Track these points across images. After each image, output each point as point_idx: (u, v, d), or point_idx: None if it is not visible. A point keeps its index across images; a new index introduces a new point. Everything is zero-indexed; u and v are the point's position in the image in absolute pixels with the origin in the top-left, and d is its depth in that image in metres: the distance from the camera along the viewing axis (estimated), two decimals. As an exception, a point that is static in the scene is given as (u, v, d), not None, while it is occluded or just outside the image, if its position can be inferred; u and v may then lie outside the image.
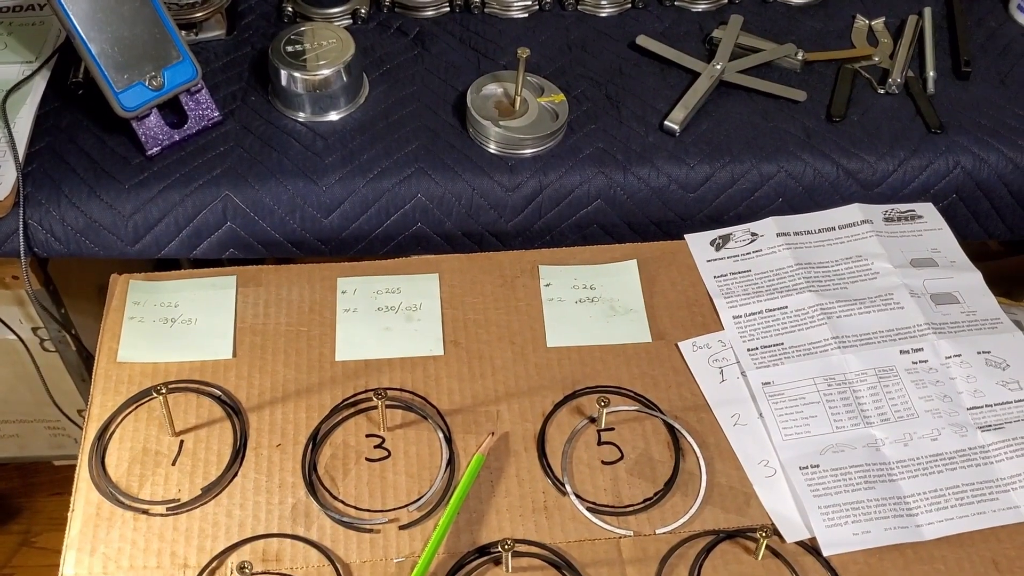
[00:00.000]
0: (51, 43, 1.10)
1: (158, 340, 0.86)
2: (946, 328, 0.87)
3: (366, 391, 0.83)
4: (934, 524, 0.76)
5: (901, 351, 0.86)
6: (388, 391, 0.82)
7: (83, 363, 1.26)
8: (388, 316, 0.88)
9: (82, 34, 0.94)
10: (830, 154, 1.04)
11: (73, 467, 0.79)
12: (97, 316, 0.93)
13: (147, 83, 0.98)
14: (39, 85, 1.06)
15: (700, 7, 1.20)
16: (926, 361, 0.86)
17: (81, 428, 0.81)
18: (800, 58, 1.12)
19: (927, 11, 1.20)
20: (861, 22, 1.19)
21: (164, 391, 0.77)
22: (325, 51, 1.04)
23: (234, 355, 0.85)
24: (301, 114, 1.05)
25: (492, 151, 1.03)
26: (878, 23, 1.19)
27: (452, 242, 1.04)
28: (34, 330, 1.22)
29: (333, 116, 1.05)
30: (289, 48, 1.04)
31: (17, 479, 1.57)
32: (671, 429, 0.81)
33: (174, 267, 1.31)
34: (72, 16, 0.94)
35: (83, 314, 1.22)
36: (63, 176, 0.99)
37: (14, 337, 1.19)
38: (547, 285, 0.91)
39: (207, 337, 0.86)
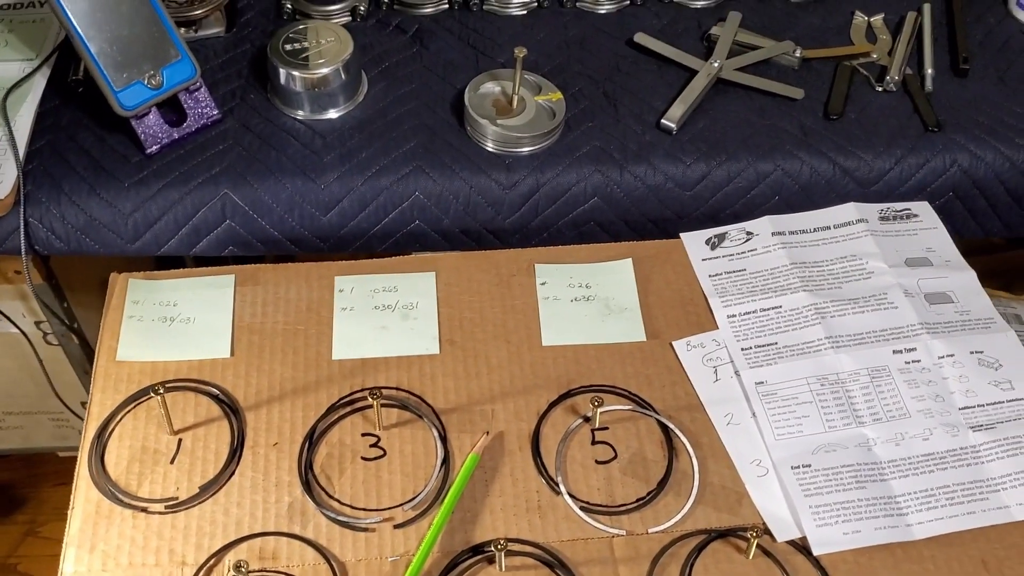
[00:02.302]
0: (52, 41, 1.10)
1: (157, 339, 0.87)
2: (939, 328, 0.88)
3: (362, 390, 0.84)
4: (924, 524, 0.76)
5: (894, 351, 0.87)
6: (383, 390, 0.83)
7: (86, 356, 1.27)
8: (385, 315, 0.89)
9: (81, 33, 0.95)
10: (827, 152, 1.04)
11: (75, 457, 0.80)
12: (99, 310, 0.94)
13: (146, 82, 0.98)
14: (39, 83, 1.07)
15: (699, 4, 1.20)
16: (919, 361, 0.86)
17: (84, 420, 0.82)
18: (798, 55, 1.12)
19: (926, 7, 1.19)
20: (860, 18, 1.19)
21: (162, 391, 0.78)
22: (324, 49, 1.04)
23: (232, 354, 0.86)
24: (300, 112, 1.05)
25: (490, 149, 1.03)
26: (877, 19, 1.19)
27: (450, 239, 1.04)
28: (37, 324, 1.23)
29: (332, 114, 1.06)
30: (288, 46, 1.04)
31: (22, 469, 1.59)
32: (664, 429, 0.82)
33: (178, 263, 1.32)
34: (71, 15, 0.94)
35: (86, 308, 1.23)
36: (63, 174, 0.99)
37: (17, 331, 1.20)
38: (543, 283, 0.92)
39: (205, 336, 0.87)
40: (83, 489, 0.78)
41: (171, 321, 0.88)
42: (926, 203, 0.99)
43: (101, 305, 1.27)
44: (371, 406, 0.81)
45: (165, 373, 0.85)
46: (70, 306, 1.23)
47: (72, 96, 1.07)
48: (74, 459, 0.80)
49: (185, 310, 0.89)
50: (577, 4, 1.19)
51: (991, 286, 1.08)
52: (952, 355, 0.86)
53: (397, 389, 0.84)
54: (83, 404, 1.37)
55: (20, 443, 1.48)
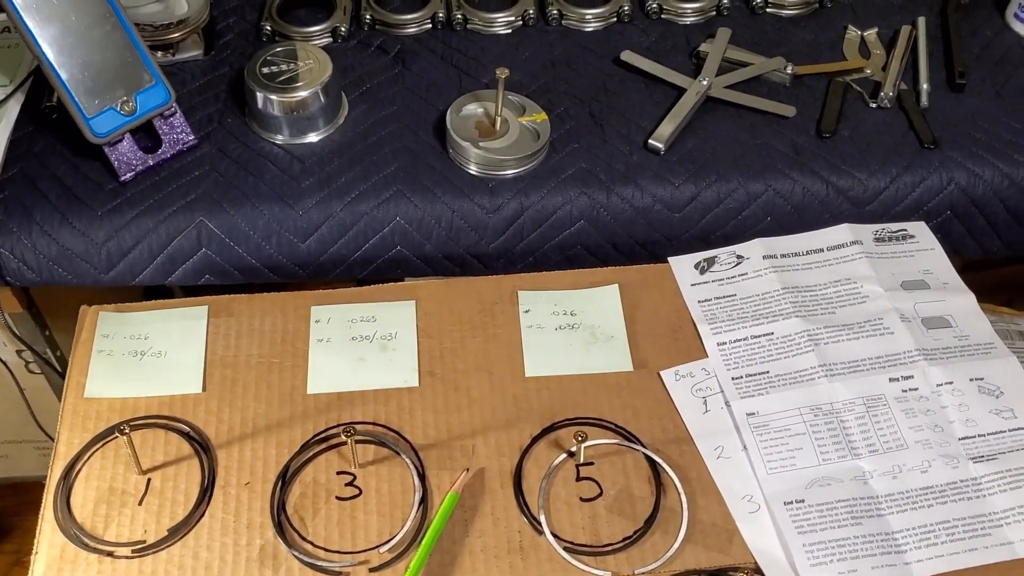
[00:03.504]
0: (26, 66, 1.08)
1: (127, 374, 0.84)
2: (937, 354, 0.85)
3: (337, 426, 0.81)
4: (924, 562, 0.73)
5: (890, 379, 0.84)
6: (359, 425, 0.80)
7: (69, 385, 1.25)
8: (363, 346, 0.86)
9: (51, 60, 0.92)
10: (819, 171, 1.01)
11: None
12: None
13: (119, 108, 0.96)
14: (13, 109, 1.04)
15: (687, 20, 1.18)
16: (916, 389, 0.83)
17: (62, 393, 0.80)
18: (789, 71, 1.09)
19: (921, 21, 1.17)
20: (853, 33, 1.16)
21: (128, 430, 0.75)
22: (302, 72, 1.02)
23: (204, 389, 0.83)
24: (279, 136, 1.03)
25: (473, 172, 1.01)
26: (871, 34, 1.16)
27: (433, 265, 1.02)
28: (18, 352, 1.21)
29: (312, 138, 1.03)
30: (265, 69, 1.02)
31: (8, 497, 1.56)
32: (652, 463, 0.79)
33: (163, 290, 1.30)
34: (40, 41, 0.92)
35: (69, 334, 1.20)
36: (35, 203, 0.97)
37: (-2, 360, 1.18)
38: (526, 311, 0.89)
39: (177, 371, 0.84)
40: (47, 533, 0.75)
41: (142, 355, 0.85)
42: (923, 223, 0.96)
43: (84, 332, 1.23)
44: (346, 443, 0.78)
45: (135, 410, 0.82)
46: (52, 334, 1.21)
47: (46, 122, 1.04)
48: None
49: (156, 343, 0.86)
50: (563, 22, 1.17)
51: (994, 301, 1.05)
52: (951, 382, 0.83)
53: (374, 424, 0.81)
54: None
55: (5, 472, 1.46)
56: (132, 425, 0.78)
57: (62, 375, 1.22)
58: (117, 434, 0.76)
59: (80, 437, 0.81)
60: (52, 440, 1.34)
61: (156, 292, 1.28)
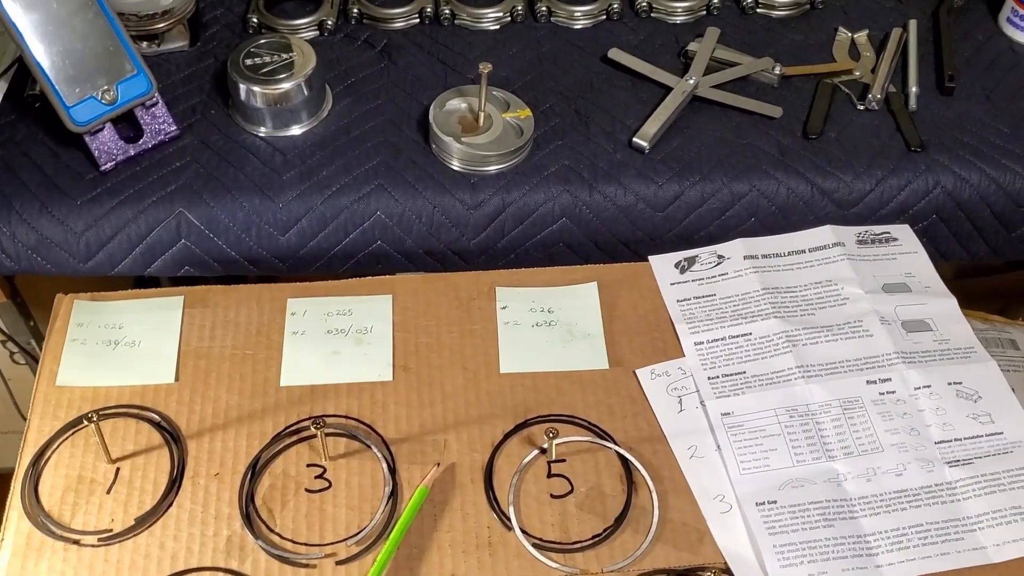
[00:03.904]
0: (10, 55, 1.08)
1: (100, 363, 0.83)
2: (916, 357, 0.84)
3: (308, 418, 0.80)
4: (895, 565, 0.72)
5: (868, 381, 0.83)
6: (330, 419, 0.80)
7: (54, 376, 1.24)
8: (337, 339, 0.86)
9: (31, 48, 0.92)
10: (805, 173, 1.01)
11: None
12: None
13: (99, 97, 0.95)
14: (-4, 97, 1.04)
15: (677, 19, 1.17)
16: (894, 392, 0.82)
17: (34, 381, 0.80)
18: (778, 72, 1.09)
19: (912, 23, 1.16)
20: (843, 35, 1.16)
21: (96, 419, 0.75)
22: (285, 64, 1.01)
23: (176, 379, 0.83)
24: (262, 129, 1.03)
25: (455, 168, 1.00)
26: (861, 36, 1.15)
27: (413, 260, 1.01)
28: (2, 343, 1.20)
29: (295, 131, 1.03)
30: (248, 61, 1.01)
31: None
32: (624, 461, 0.78)
33: (151, 282, 1.29)
34: (20, 29, 0.91)
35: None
36: (14, 191, 0.96)
37: (-22, 351, 1.18)
38: (503, 308, 0.88)
39: (150, 360, 0.84)
40: (14, 520, 0.75)
41: (115, 344, 0.85)
42: (906, 226, 0.96)
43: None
44: (316, 436, 0.77)
45: (107, 399, 0.82)
46: (36, 324, 1.20)
47: (29, 110, 1.04)
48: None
49: (131, 333, 0.85)
50: (551, 19, 1.16)
51: (986, 309, 1.04)
52: (929, 386, 0.82)
53: (346, 417, 0.81)
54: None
55: (-9, 462, 1.45)
56: (102, 414, 0.78)
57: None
58: (86, 422, 0.76)
59: (50, 425, 0.80)
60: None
61: (144, 284, 1.28)
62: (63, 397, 0.82)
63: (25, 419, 1.29)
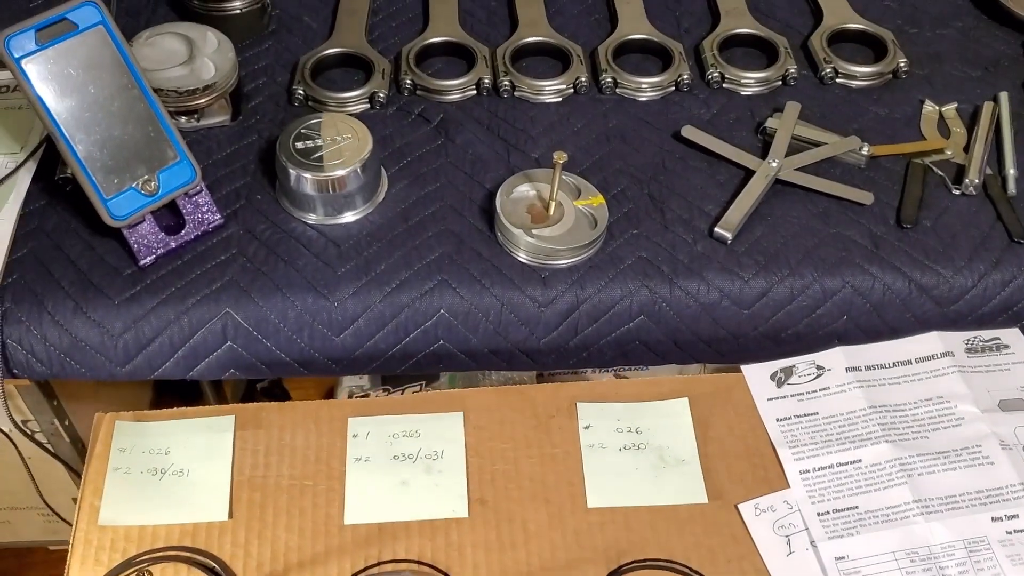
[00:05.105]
0: (38, 131, 1.00)
1: (145, 496, 0.75)
2: (1046, 490, 0.76)
3: (378, 563, 0.72)
4: None
5: (993, 518, 0.75)
6: (401, 563, 0.72)
7: (77, 453, 1.17)
8: (405, 466, 0.78)
9: (67, 136, 0.84)
10: (901, 267, 0.93)
11: (67, 551, 0.71)
12: (92, 403, 0.83)
13: (139, 188, 0.88)
14: (24, 180, 0.96)
15: (751, 91, 1.09)
16: (1023, 530, 0.74)
17: (74, 516, 0.74)
18: (865, 152, 1.01)
19: (1003, 96, 1.08)
20: (931, 108, 1.08)
21: (145, 563, 0.67)
22: (340, 147, 0.94)
23: (230, 515, 0.75)
24: (312, 216, 0.95)
25: (523, 260, 0.92)
26: (949, 110, 1.07)
27: (478, 360, 0.93)
28: (24, 422, 1.13)
29: (348, 217, 0.95)
30: (299, 144, 0.94)
31: (12, 559, 1.50)
32: (732, 616, 0.70)
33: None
34: (55, 115, 0.84)
35: (77, 400, 1.13)
36: (46, 290, 0.88)
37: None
38: (586, 427, 0.80)
39: (201, 493, 0.76)
40: None
41: (162, 474, 0.77)
42: (1016, 330, 0.88)
43: (94, 398, 1.15)
44: (390, 588, 0.69)
45: (154, 539, 0.74)
46: (60, 403, 1.13)
47: (59, 194, 0.96)
48: (65, 552, 0.71)
49: (178, 460, 0.77)
50: (617, 90, 1.08)
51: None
52: (1063, 524, 0.74)
53: (419, 563, 0.73)
54: (74, 500, 1.27)
55: (9, 537, 1.39)
56: (152, 558, 0.70)
57: (71, 444, 1.14)
58: (134, 572, 0.68)
59: (93, 571, 0.72)
60: (55, 514, 1.27)
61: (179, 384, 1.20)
62: (106, 538, 0.74)
63: (42, 497, 1.23)
